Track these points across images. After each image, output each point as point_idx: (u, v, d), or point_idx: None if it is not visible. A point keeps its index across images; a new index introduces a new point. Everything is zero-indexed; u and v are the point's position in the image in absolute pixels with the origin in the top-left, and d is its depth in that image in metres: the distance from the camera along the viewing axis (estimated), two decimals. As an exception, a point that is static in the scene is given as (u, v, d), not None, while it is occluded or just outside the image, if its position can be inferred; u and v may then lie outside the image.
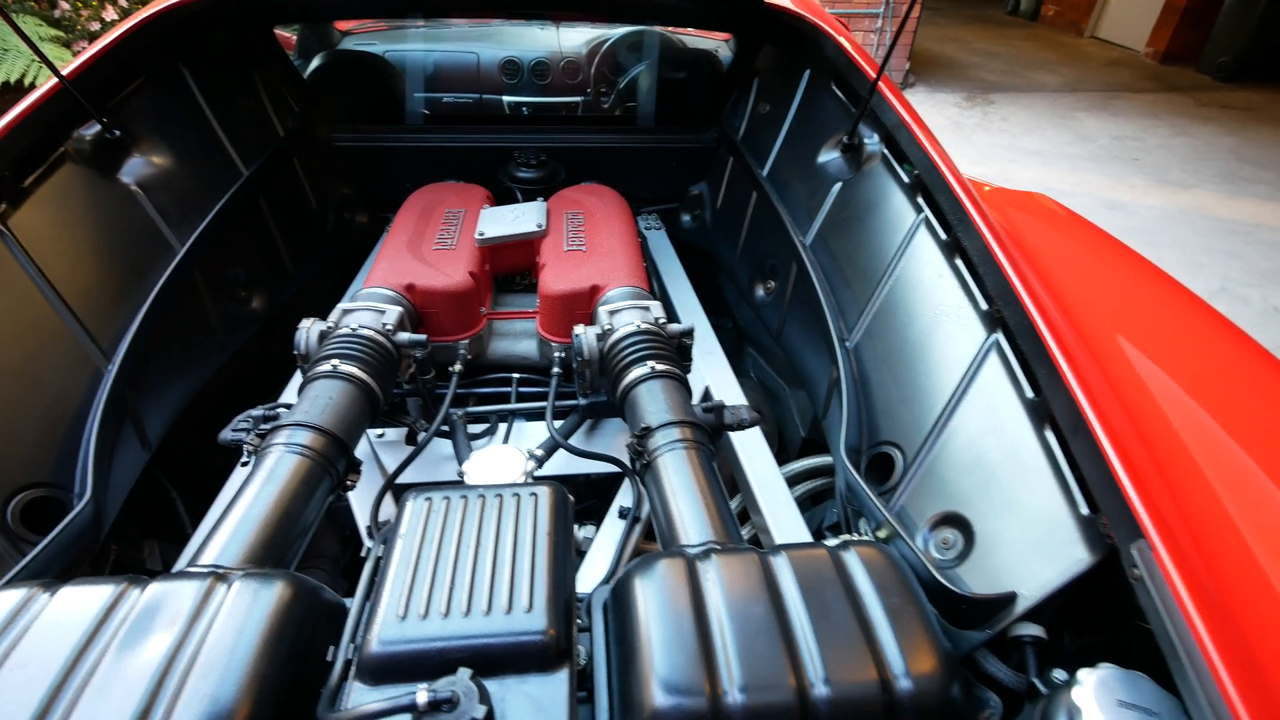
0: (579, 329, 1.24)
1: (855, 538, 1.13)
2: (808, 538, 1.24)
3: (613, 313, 1.27)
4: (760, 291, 1.72)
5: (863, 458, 1.16)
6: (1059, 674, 0.80)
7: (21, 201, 1.16)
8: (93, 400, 1.08)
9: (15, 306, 1.08)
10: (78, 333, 1.13)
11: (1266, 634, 0.66)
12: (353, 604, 0.78)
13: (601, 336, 1.23)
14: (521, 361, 1.46)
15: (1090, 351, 1.00)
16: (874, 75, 1.35)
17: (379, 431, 1.37)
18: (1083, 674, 0.74)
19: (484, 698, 0.65)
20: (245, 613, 0.70)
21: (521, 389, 1.42)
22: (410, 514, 0.84)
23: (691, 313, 1.71)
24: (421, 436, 1.22)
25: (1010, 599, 0.82)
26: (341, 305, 1.24)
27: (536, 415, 1.38)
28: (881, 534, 1.03)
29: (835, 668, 0.68)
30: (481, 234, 1.46)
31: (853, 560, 0.80)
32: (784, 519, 1.26)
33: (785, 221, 1.55)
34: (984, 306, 1.10)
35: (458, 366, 1.33)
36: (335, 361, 1.09)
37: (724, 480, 1.34)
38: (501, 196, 1.78)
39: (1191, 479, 0.85)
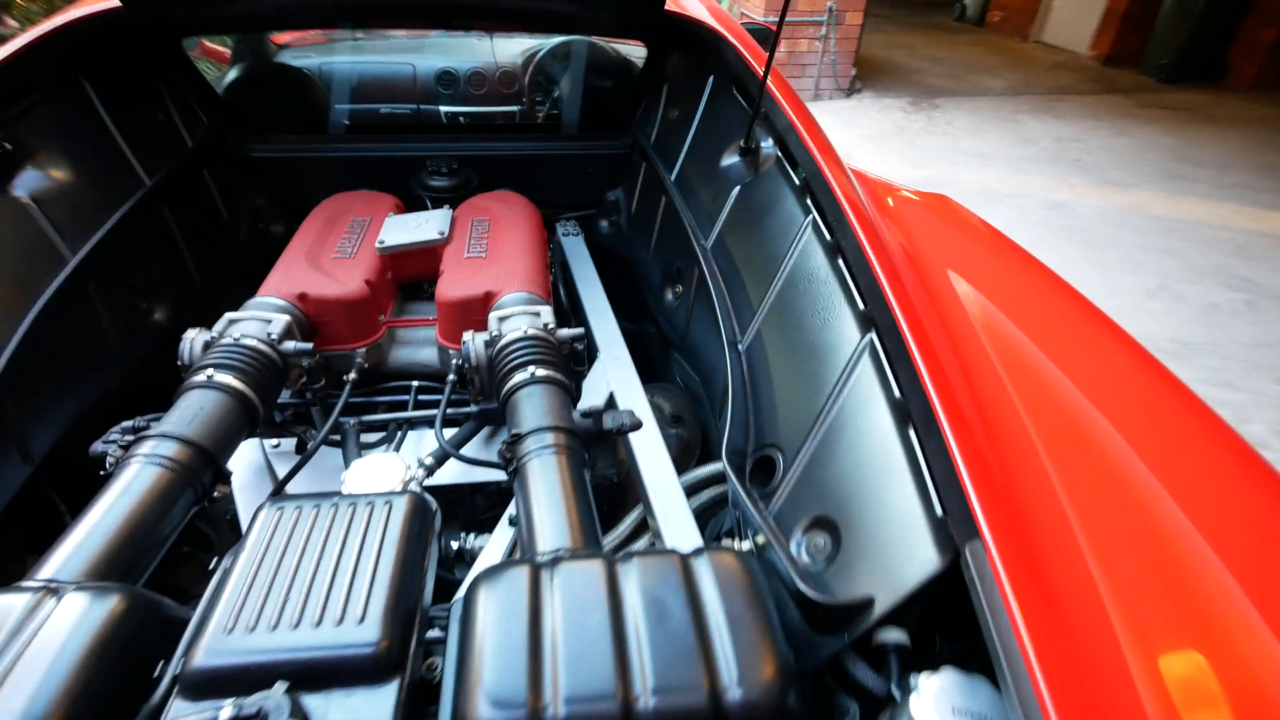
0: (468, 335, 1.25)
1: (716, 545, 1.15)
2: (699, 544, 1.26)
3: (502, 319, 1.28)
4: (669, 295, 1.74)
5: (748, 461, 1.18)
6: (922, 678, 0.81)
7: None
8: None
9: None
10: None
11: (1091, 641, 0.68)
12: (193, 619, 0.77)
13: (490, 343, 1.25)
14: (422, 370, 1.46)
15: (956, 351, 1.04)
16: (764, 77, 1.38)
17: (274, 441, 1.36)
18: (923, 679, 0.75)
19: (296, 711, 0.65)
20: (70, 627, 0.69)
21: (422, 397, 1.42)
22: (260, 525, 0.83)
23: (602, 318, 1.73)
24: (310, 445, 1.22)
25: (868, 604, 0.81)
26: (228, 315, 1.24)
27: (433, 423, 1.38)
28: (760, 540, 1.04)
29: (665, 678, 0.68)
30: (382, 242, 1.47)
31: (701, 567, 0.80)
32: (678, 527, 1.28)
33: (687, 225, 1.57)
34: (861, 307, 1.13)
35: (351, 375, 1.33)
36: (211, 371, 1.09)
37: (637, 488, 1.35)
38: (414, 206, 1.79)
39: (1041, 482, 0.85)
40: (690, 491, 1.47)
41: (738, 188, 1.56)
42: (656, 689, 0.67)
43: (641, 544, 1.40)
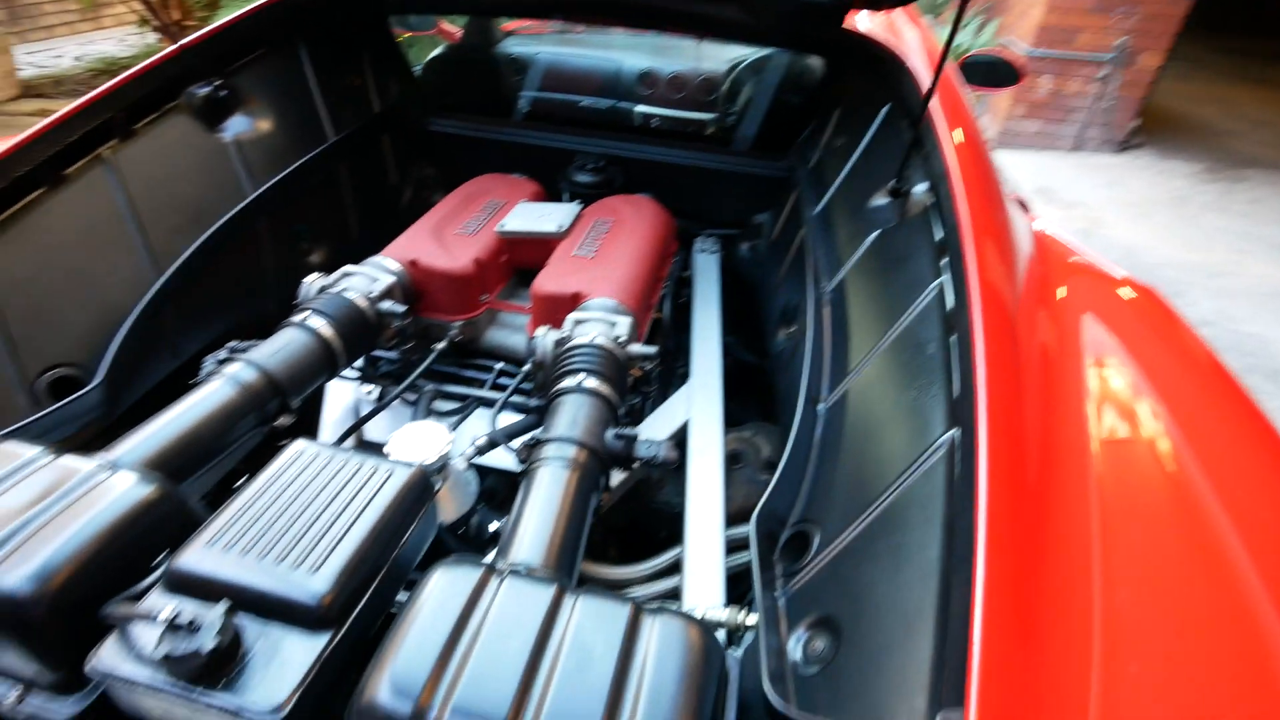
0: (540, 331, 1.26)
1: (706, 619, 1.03)
2: (720, 600, 1.16)
3: (579, 321, 1.26)
4: (781, 335, 1.62)
5: (785, 530, 1.06)
6: None
7: (129, 140, 1.39)
8: (135, 305, 1.28)
9: (99, 221, 1.31)
10: (140, 247, 1.34)
11: None
12: None
13: (559, 343, 1.24)
14: (510, 354, 1.50)
15: (1045, 483, 0.83)
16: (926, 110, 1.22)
17: (369, 389, 1.47)
18: None
19: (225, 632, 0.69)
20: (107, 501, 0.80)
21: (501, 380, 1.46)
22: (282, 457, 0.90)
23: (707, 343, 1.65)
24: (385, 400, 1.30)
25: None
26: (346, 268, 1.36)
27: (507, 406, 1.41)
28: (757, 620, 0.93)
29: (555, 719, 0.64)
30: (502, 226, 1.52)
31: (651, 627, 0.75)
32: (704, 577, 1.19)
33: (811, 263, 1.44)
34: (955, 394, 0.96)
35: (441, 344, 1.40)
36: (308, 314, 1.20)
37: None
38: (554, 197, 1.84)
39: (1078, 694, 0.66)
40: (736, 546, 1.36)
41: (877, 232, 1.40)
42: None
43: (669, 583, 1.32)
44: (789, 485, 1.09)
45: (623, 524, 1.62)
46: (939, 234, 1.24)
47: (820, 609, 0.88)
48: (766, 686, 0.78)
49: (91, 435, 1.16)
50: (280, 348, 1.14)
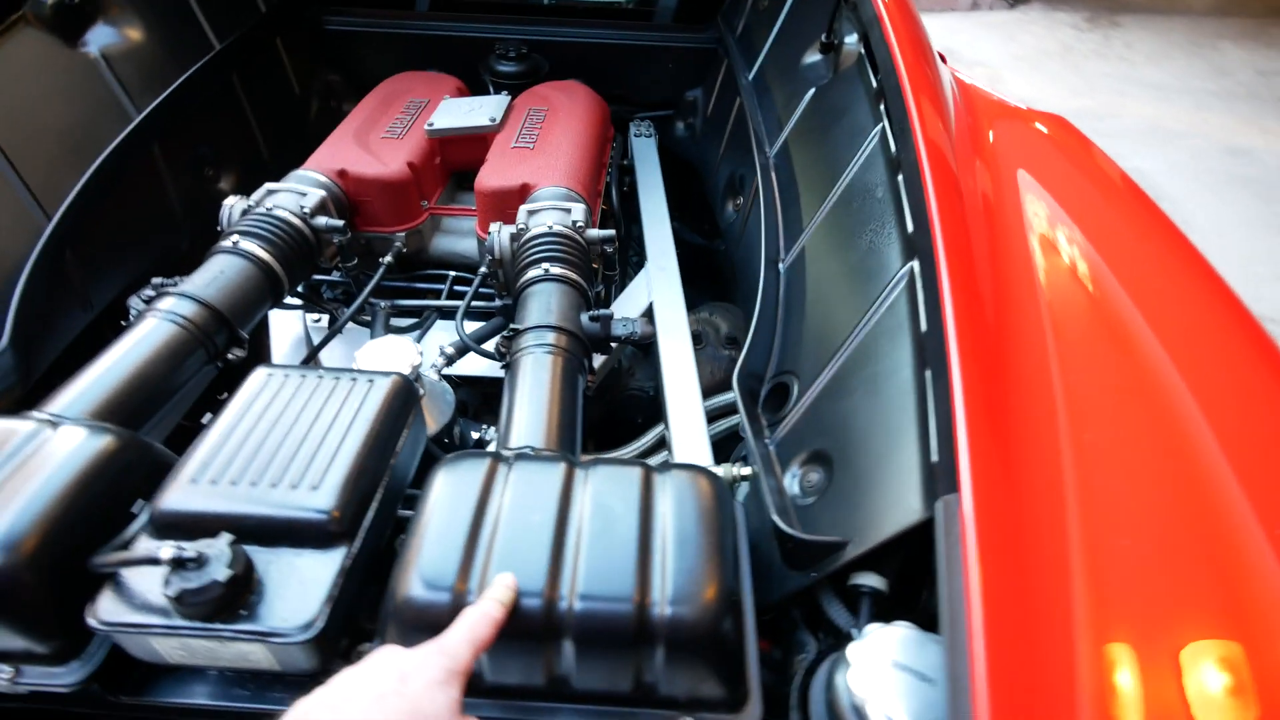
0: (494, 227, 1.21)
1: (691, 464, 1.09)
2: (708, 465, 1.21)
3: (532, 213, 1.22)
4: (729, 208, 1.62)
5: (764, 385, 1.10)
6: (871, 628, 0.76)
7: None
8: (28, 254, 1.15)
9: None
10: (19, 190, 1.19)
11: (1047, 622, 0.58)
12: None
13: (515, 236, 1.20)
14: (462, 260, 1.45)
15: (1001, 292, 0.88)
16: None
17: (315, 316, 1.40)
18: (872, 629, 0.69)
19: (236, 562, 0.67)
20: (61, 457, 0.74)
21: (457, 288, 1.41)
22: (248, 386, 0.85)
23: (657, 226, 1.63)
24: (338, 323, 1.24)
25: (840, 545, 0.77)
26: (267, 185, 1.25)
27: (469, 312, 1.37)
28: (756, 469, 0.98)
29: (595, 584, 0.66)
30: (431, 125, 1.43)
31: (664, 482, 0.77)
32: (692, 448, 1.23)
33: (753, 131, 1.43)
34: (909, 230, 0.99)
35: (387, 258, 1.33)
36: (238, 238, 1.11)
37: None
38: (478, 90, 1.73)
39: (1051, 454, 0.72)
40: (717, 415, 1.41)
41: (812, 90, 1.39)
42: (584, 594, 0.66)
43: (657, 460, 1.36)
44: (762, 344, 1.12)
45: (598, 416, 1.64)
46: (875, 82, 1.24)
47: (808, 447, 0.94)
48: (775, 517, 0.82)
49: (12, 403, 1.06)
50: (215, 276, 1.05)
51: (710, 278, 2.08)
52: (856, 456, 0.85)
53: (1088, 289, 0.89)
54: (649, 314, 1.49)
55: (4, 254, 1.14)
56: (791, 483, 0.93)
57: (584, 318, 1.05)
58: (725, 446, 1.39)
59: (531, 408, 0.89)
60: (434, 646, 0.54)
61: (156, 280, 1.07)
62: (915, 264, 0.94)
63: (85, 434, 0.77)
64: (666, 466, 0.80)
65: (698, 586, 0.68)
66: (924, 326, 0.86)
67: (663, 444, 1.40)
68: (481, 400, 1.49)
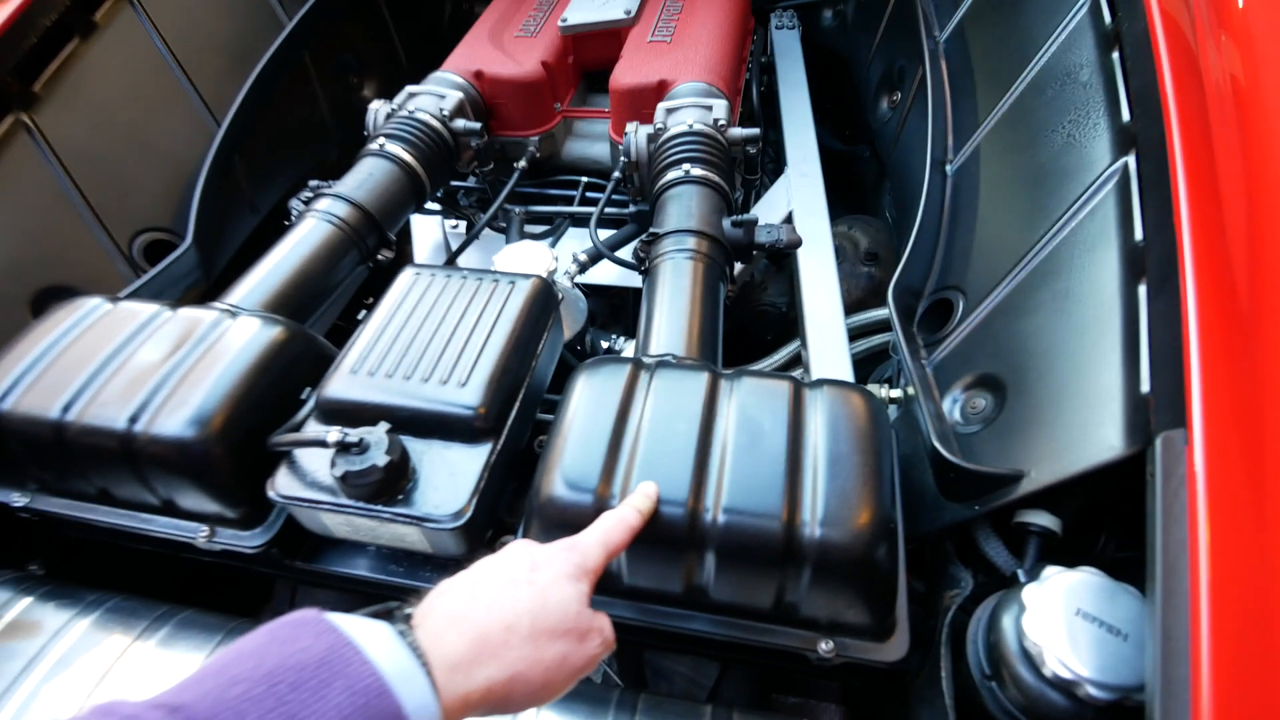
0: (630, 127, 1.15)
1: (845, 381, 1.01)
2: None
3: (670, 110, 1.15)
4: (884, 104, 1.45)
5: (922, 302, 0.99)
6: (1051, 570, 0.69)
7: None
8: (204, 161, 1.23)
9: (144, 73, 1.23)
10: (193, 98, 1.26)
11: None
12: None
13: (653, 137, 1.13)
14: (594, 165, 1.40)
15: (1250, 195, 0.72)
16: None
17: (453, 222, 1.42)
18: (1052, 571, 0.62)
19: (393, 449, 0.70)
20: (241, 344, 0.80)
21: (590, 194, 1.38)
22: (398, 284, 0.88)
23: (800, 128, 1.50)
24: (475, 229, 1.25)
25: (1014, 479, 0.69)
26: (409, 88, 1.25)
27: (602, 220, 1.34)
28: (910, 390, 0.90)
29: (740, 498, 0.64)
30: (564, 20, 1.36)
31: (817, 398, 0.72)
32: (831, 367, 1.16)
33: (920, 10, 1.25)
34: (1125, 118, 0.83)
35: (521, 163, 1.31)
36: (383, 141, 1.12)
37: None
38: (612, -18, 1.63)
39: None
40: (857, 334, 1.32)
41: None
42: (729, 507, 0.64)
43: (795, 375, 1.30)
44: (922, 256, 1.01)
45: (726, 331, 1.59)
46: None
47: (975, 370, 0.84)
48: (935, 442, 0.75)
49: (196, 297, 1.16)
50: (365, 178, 1.08)
51: (849, 187, 1.92)
52: (1036, 383, 0.75)
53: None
54: (789, 222, 1.39)
55: (185, 160, 1.23)
56: (952, 408, 0.84)
57: (726, 223, 0.99)
58: (865, 368, 1.31)
59: (672, 315, 0.86)
60: (567, 543, 0.55)
61: (314, 182, 1.12)
62: (1131, 159, 0.79)
63: (260, 324, 0.82)
64: (819, 382, 0.74)
65: (851, 510, 0.63)
66: (1139, 235, 0.73)
67: (797, 361, 1.33)
68: (610, 310, 1.48)
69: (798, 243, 1.00)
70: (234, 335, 0.80)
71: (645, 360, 0.77)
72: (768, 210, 1.38)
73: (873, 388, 1.00)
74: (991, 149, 1.03)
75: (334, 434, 0.68)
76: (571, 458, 0.68)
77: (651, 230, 0.96)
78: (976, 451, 0.78)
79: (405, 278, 0.88)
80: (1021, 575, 0.69)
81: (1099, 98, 0.88)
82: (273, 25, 1.40)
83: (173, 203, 1.21)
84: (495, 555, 0.53)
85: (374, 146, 1.12)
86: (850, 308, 1.41)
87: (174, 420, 0.72)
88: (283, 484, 0.73)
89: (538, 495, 0.68)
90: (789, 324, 1.49)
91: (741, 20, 1.43)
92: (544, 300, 0.87)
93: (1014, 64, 1.05)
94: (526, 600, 0.47)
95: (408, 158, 1.12)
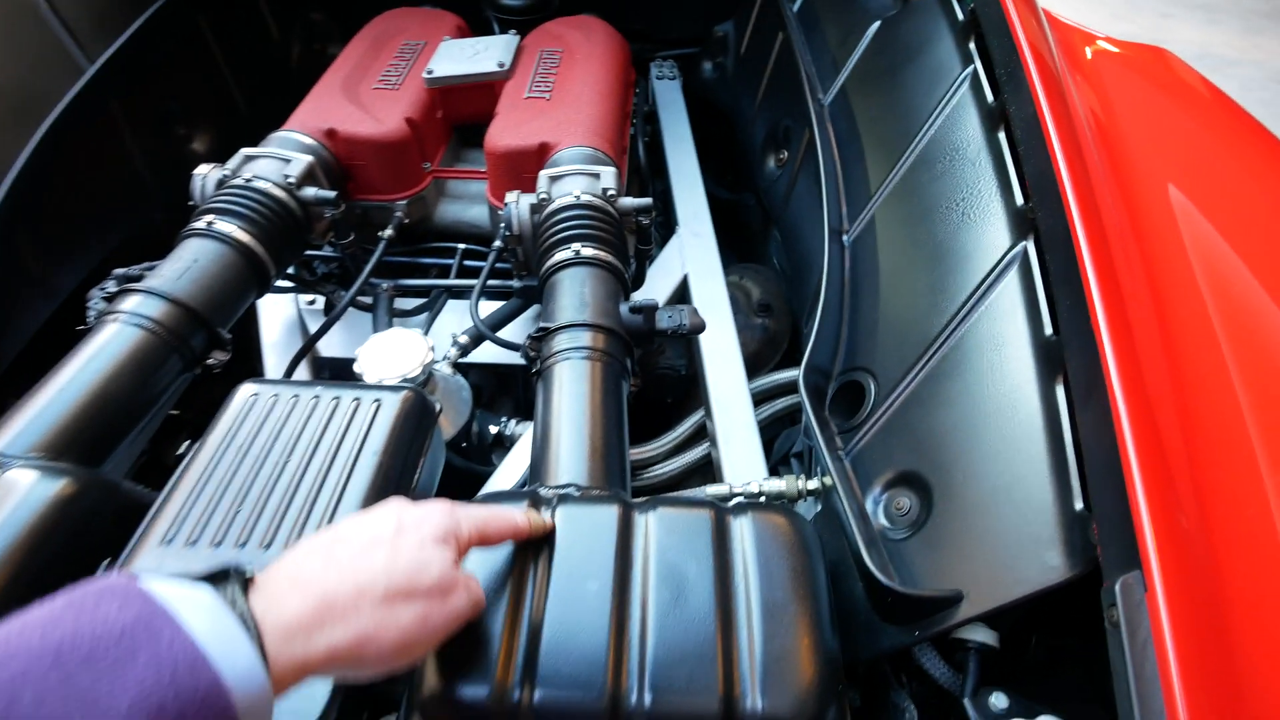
0: (511, 197, 1.04)
1: (766, 494, 0.95)
2: (761, 466, 1.07)
3: (554, 179, 1.05)
4: (770, 163, 1.43)
5: (832, 383, 0.95)
6: (996, 700, 0.64)
7: None
8: None
9: None
10: None
11: None
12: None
13: (536, 208, 1.03)
14: (471, 229, 1.27)
15: (1154, 284, 0.72)
16: None
17: (310, 298, 1.24)
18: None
19: None
20: (7, 512, 0.60)
21: (468, 262, 1.25)
22: (229, 410, 0.71)
23: (688, 185, 1.45)
24: (336, 309, 1.08)
25: (953, 600, 0.64)
26: (244, 151, 1.07)
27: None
28: (827, 481, 0.85)
29: (669, 673, 0.53)
30: (430, 72, 1.23)
31: (742, 530, 0.63)
32: (739, 441, 1.09)
33: (803, 72, 1.23)
34: (1019, 202, 0.82)
35: (388, 231, 1.16)
36: (212, 218, 0.94)
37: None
38: (480, 29, 1.52)
39: (1259, 500, 0.57)
40: (762, 399, 1.27)
41: (877, 23, 1.19)
42: (656, 685, 0.53)
43: (698, 452, 1.23)
44: (828, 333, 0.97)
45: (624, 397, 1.51)
46: (961, 12, 1.05)
47: (895, 465, 0.80)
48: (868, 561, 0.69)
49: None
50: (187, 265, 0.89)
51: (739, 235, 1.90)
52: (962, 486, 0.71)
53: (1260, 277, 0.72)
54: (684, 287, 1.33)
55: None
56: (876, 509, 0.79)
57: (624, 309, 0.90)
58: (772, 429, 1.26)
59: (571, 432, 0.75)
60: (444, 506, 0.52)
61: (119, 271, 0.91)
62: (1029, 244, 0.78)
63: (35, 478, 0.63)
64: (741, 507, 0.66)
65: (795, 673, 0.55)
66: (1049, 329, 0.71)
67: (702, 432, 1.27)
68: (497, 382, 1.35)
69: (701, 327, 0.92)
70: None
71: (543, 493, 0.66)
72: (662, 274, 1.31)
73: (790, 478, 0.95)
74: (886, 220, 1.01)
75: None
76: (458, 640, 0.55)
77: (541, 325, 0.85)
78: (906, 561, 0.73)
79: (239, 400, 0.72)
80: (968, 703, 0.64)
81: (989, 177, 0.88)
82: (69, 69, 1.17)
83: None
84: (364, 513, 0.50)
85: (199, 224, 0.94)
86: (748, 361, 1.37)
87: None
88: None
89: (418, 689, 0.55)
90: (689, 383, 1.43)
91: (623, 73, 1.36)
92: (418, 418, 0.73)
93: (900, 134, 1.04)
94: (384, 562, 0.45)
95: (243, 237, 0.94)
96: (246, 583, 0.41)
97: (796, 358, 1.53)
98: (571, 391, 0.77)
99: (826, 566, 0.65)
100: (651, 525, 0.63)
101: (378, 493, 0.66)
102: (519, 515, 0.57)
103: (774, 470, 1.18)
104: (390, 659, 0.44)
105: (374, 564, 0.45)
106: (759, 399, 1.28)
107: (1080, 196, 0.70)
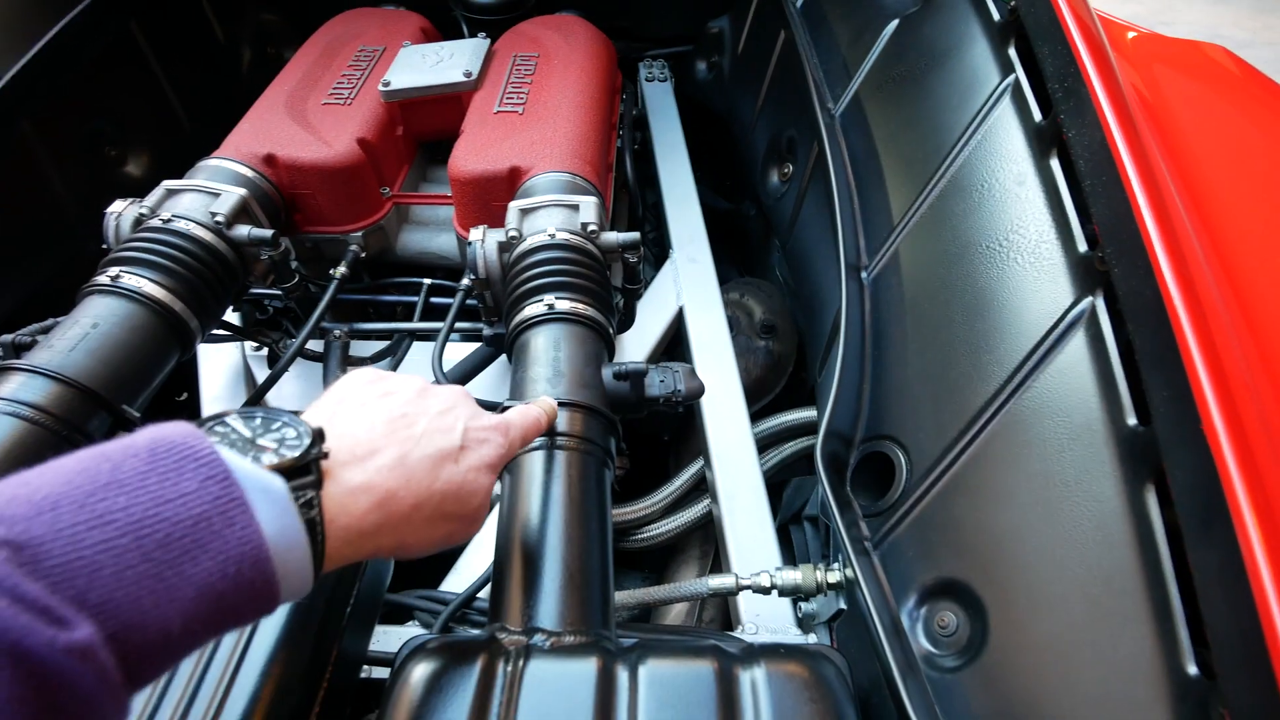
0: (476, 233, 0.89)
1: (779, 587, 0.82)
2: (770, 533, 0.94)
3: (526, 211, 0.90)
4: (774, 177, 1.28)
5: (854, 451, 0.81)
6: None
7: None
8: None
9: None
10: None
11: None
12: None
13: (505, 246, 0.88)
14: (440, 260, 1.13)
15: (1269, 371, 0.58)
16: None
17: (255, 345, 1.10)
18: None
19: None
20: None
21: (435, 299, 1.11)
22: None
23: (682, 203, 1.31)
24: (282, 360, 0.94)
25: None
26: (166, 184, 0.93)
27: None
28: (849, 574, 0.71)
29: None
30: (386, 84, 1.08)
31: (755, 690, 0.50)
32: (743, 498, 0.96)
33: (810, 78, 1.08)
34: (1082, 248, 0.68)
35: (341, 269, 1.02)
36: (118, 270, 0.79)
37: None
38: (448, 31, 1.36)
39: None
40: (767, 444, 1.14)
41: (895, 22, 1.04)
42: None
43: (697, 510, 1.10)
44: (848, 392, 0.83)
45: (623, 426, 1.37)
46: (996, 11, 0.90)
47: (935, 569, 0.66)
48: (904, 698, 0.56)
49: None
50: (85, 333, 0.74)
51: (738, 248, 1.75)
52: (1028, 612, 0.58)
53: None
54: (679, 319, 1.19)
55: None
56: (914, 625, 0.66)
57: (607, 373, 0.76)
58: (780, 476, 1.13)
59: (541, 553, 0.60)
60: (500, 425, 0.53)
61: (6, 338, 0.77)
62: (1097, 301, 0.64)
63: None
64: (753, 655, 0.53)
65: None
66: (1130, 417, 0.57)
67: (702, 484, 1.13)
68: None
69: (699, 392, 0.78)
70: None
71: (504, 643, 0.52)
72: (655, 306, 1.17)
73: (807, 568, 0.81)
74: (913, 255, 0.87)
75: None
76: None
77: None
78: (955, 698, 0.60)
79: None
80: None
81: (1040, 212, 0.73)
82: None
83: None
84: (438, 393, 0.50)
85: (102, 279, 0.79)
86: (750, 389, 1.24)
87: None
88: None
89: None
90: (688, 417, 1.29)
91: (607, 79, 1.21)
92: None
93: (926, 153, 0.90)
94: (445, 484, 0.45)
95: (156, 292, 0.79)
96: (317, 461, 0.39)
97: (801, 377, 1.40)
98: (541, 496, 0.63)
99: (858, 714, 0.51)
100: (642, 686, 0.49)
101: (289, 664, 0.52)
102: (542, 416, 0.60)
103: (783, 529, 1.05)
104: (407, 557, 0.46)
105: (437, 483, 0.45)
106: (765, 444, 1.15)
107: (1170, 253, 0.56)
